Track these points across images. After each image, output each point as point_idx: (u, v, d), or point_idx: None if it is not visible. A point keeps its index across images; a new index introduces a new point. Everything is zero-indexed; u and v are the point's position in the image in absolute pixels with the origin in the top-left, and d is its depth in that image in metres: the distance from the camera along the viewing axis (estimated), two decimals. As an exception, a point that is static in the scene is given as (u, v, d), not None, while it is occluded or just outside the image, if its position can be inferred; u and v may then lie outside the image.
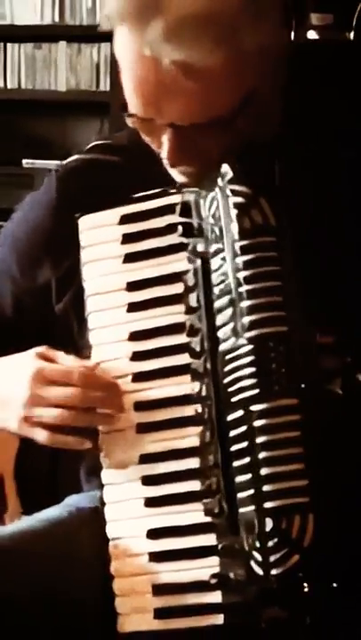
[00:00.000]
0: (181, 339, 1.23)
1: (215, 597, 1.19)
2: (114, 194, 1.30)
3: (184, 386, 1.23)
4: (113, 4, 1.20)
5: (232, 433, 1.16)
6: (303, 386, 1.13)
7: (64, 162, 1.47)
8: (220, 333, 1.18)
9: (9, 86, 3.83)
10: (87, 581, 1.31)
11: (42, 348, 1.28)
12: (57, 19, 3.79)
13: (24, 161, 3.67)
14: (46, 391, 1.23)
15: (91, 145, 1.46)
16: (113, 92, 3.61)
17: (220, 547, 1.19)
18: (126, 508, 1.26)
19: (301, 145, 1.26)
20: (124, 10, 1.18)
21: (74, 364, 1.24)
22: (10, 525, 1.45)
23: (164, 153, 1.25)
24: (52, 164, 3.30)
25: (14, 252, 1.47)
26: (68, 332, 1.39)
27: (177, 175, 1.29)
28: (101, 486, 1.28)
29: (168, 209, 1.25)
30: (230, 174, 1.17)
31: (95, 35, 3.60)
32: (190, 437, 1.22)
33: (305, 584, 1.11)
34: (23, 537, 1.37)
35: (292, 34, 2.92)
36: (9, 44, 3.82)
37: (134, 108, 1.23)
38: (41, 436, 1.24)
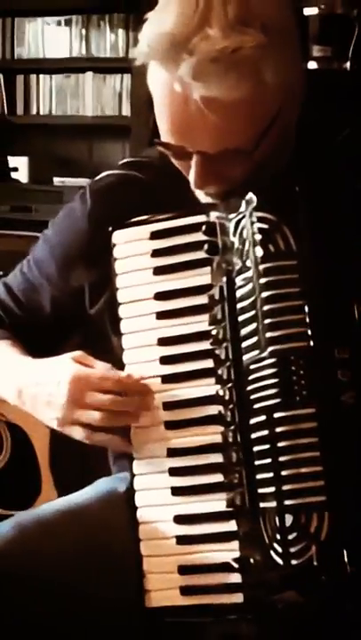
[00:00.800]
0: (206, 345, 1.14)
1: (236, 578, 1.11)
2: (143, 209, 1.21)
3: (208, 388, 1.13)
4: (146, 43, 1.10)
5: (254, 435, 1.08)
6: (321, 397, 1.04)
7: (98, 176, 1.36)
8: (245, 345, 1.09)
9: (41, 112, 3.77)
10: (116, 564, 1.21)
11: (79, 353, 1.19)
12: (84, 52, 3.69)
13: (55, 179, 3.59)
14: (85, 396, 1.15)
15: (123, 161, 1.36)
16: (133, 118, 3.54)
17: (240, 533, 1.10)
18: (155, 496, 1.17)
19: (315, 170, 1.16)
20: (157, 49, 1.09)
21: (109, 372, 1.16)
22: (41, 507, 1.34)
23: (191, 177, 1.16)
24: (80, 181, 3.26)
25: (52, 258, 1.37)
26: (102, 334, 1.29)
27: (202, 195, 1.20)
28: (132, 474, 1.18)
29: (194, 227, 1.16)
30: (256, 202, 1.08)
31: (118, 67, 3.56)
32: (214, 435, 1.13)
33: (321, 573, 1.03)
34: (53, 519, 1.27)
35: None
36: (41, 75, 3.75)
37: (166, 137, 1.15)
38: (79, 434, 1.17)
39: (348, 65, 2.68)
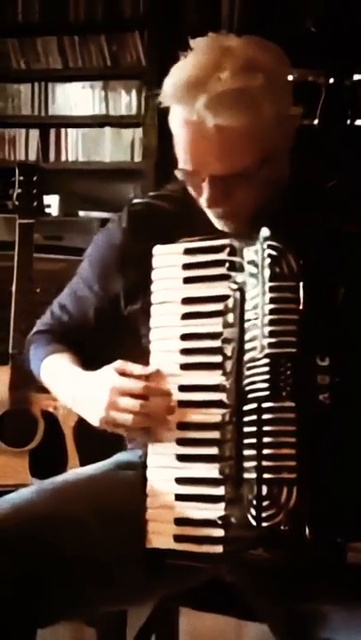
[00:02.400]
0: (217, 343, 1.19)
1: (219, 533, 1.16)
2: (166, 231, 1.28)
3: (215, 378, 1.19)
4: (170, 86, 1.20)
5: (245, 419, 1.13)
6: (301, 394, 1.10)
7: (132, 202, 1.44)
8: (247, 346, 1.15)
9: (69, 159, 3.96)
10: (120, 521, 1.27)
11: (118, 363, 1.25)
12: (104, 110, 3.89)
13: (80, 213, 3.77)
14: (120, 401, 1.22)
15: (150, 194, 1.45)
16: (143, 163, 3.73)
17: (226, 497, 1.16)
18: (163, 460, 1.22)
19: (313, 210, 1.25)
20: (179, 90, 1.19)
21: (141, 374, 1.23)
22: (60, 476, 1.40)
23: (204, 197, 1.24)
24: (101, 215, 3.50)
25: (93, 271, 1.45)
26: (135, 329, 1.37)
27: (215, 220, 1.28)
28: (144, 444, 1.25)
29: (219, 248, 1.22)
30: (268, 234, 1.15)
31: (131, 122, 3.80)
32: (215, 415, 1.18)
33: (286, 536, 1.08)
34: (68, 482, 1.34)
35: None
36: (69, 129, 3.96)
37: (183, 163, 1.23)
38: (120, 430, 1.25)
39: (316, 122, 2.88)
